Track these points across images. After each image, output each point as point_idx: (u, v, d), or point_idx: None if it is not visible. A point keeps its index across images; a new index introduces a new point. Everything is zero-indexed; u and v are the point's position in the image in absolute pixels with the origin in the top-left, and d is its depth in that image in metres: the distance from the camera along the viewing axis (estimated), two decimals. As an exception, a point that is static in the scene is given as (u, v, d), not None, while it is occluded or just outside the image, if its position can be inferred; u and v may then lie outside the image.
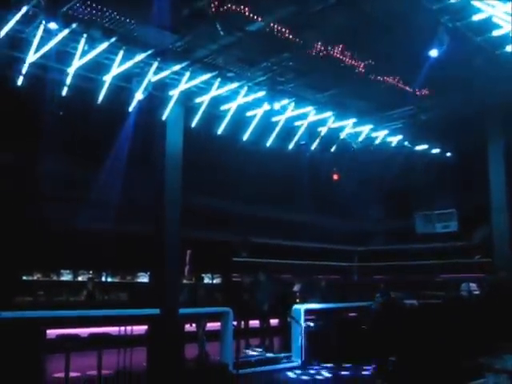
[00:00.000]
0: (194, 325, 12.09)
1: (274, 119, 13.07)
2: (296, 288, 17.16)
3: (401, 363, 11.16)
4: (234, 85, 11.35)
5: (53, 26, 8.55)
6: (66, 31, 8.82)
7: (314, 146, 14.32)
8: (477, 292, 14.87)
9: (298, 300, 15.75)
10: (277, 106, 11.91)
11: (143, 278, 18.49)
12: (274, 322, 14.40)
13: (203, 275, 14.78)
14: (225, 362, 11.33)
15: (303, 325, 12.98)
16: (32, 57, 9.35)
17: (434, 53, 9.48)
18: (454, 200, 19.95)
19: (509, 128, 13.19)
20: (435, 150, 15.97)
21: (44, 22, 8.49)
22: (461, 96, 11.97)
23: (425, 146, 15.71)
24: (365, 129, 14.32)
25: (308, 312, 13.43)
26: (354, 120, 13.74)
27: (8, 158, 14.33)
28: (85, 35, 9.03)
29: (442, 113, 12.96)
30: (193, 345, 11.73)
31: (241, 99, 11.84)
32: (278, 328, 14.23)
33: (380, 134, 14.75)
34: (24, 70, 9.57)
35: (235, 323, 12.27)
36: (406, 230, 21.98)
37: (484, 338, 8.30)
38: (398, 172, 16.72)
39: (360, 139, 14.66)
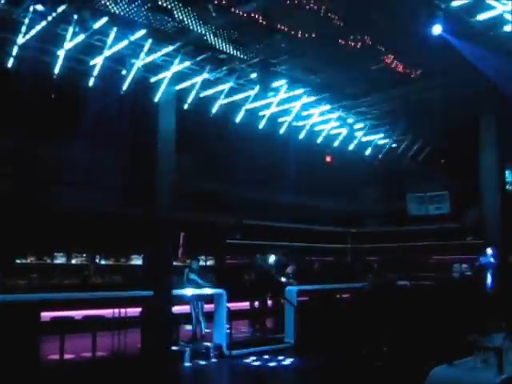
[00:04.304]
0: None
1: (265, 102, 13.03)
2: (289, 270, 17.18)
3: (395, 343, 11.31)
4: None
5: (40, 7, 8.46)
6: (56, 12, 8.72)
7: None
8: (468, 273, 15.02)
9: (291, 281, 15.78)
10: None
11: (137, 261, 18.50)
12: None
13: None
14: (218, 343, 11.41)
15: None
16: (22, 39, 9.25)
17: (437, 29, 9.10)
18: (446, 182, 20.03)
19: (500, 108, 13.17)
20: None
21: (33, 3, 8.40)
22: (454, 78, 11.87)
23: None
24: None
25: (301, 293, 13.48)
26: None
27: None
28: (75, 16, 8.92)
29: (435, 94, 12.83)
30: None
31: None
32: (272, 309, 14.29)
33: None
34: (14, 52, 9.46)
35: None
36: (400, 212, 22.11)
37: (473, 316, 8.42)
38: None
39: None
